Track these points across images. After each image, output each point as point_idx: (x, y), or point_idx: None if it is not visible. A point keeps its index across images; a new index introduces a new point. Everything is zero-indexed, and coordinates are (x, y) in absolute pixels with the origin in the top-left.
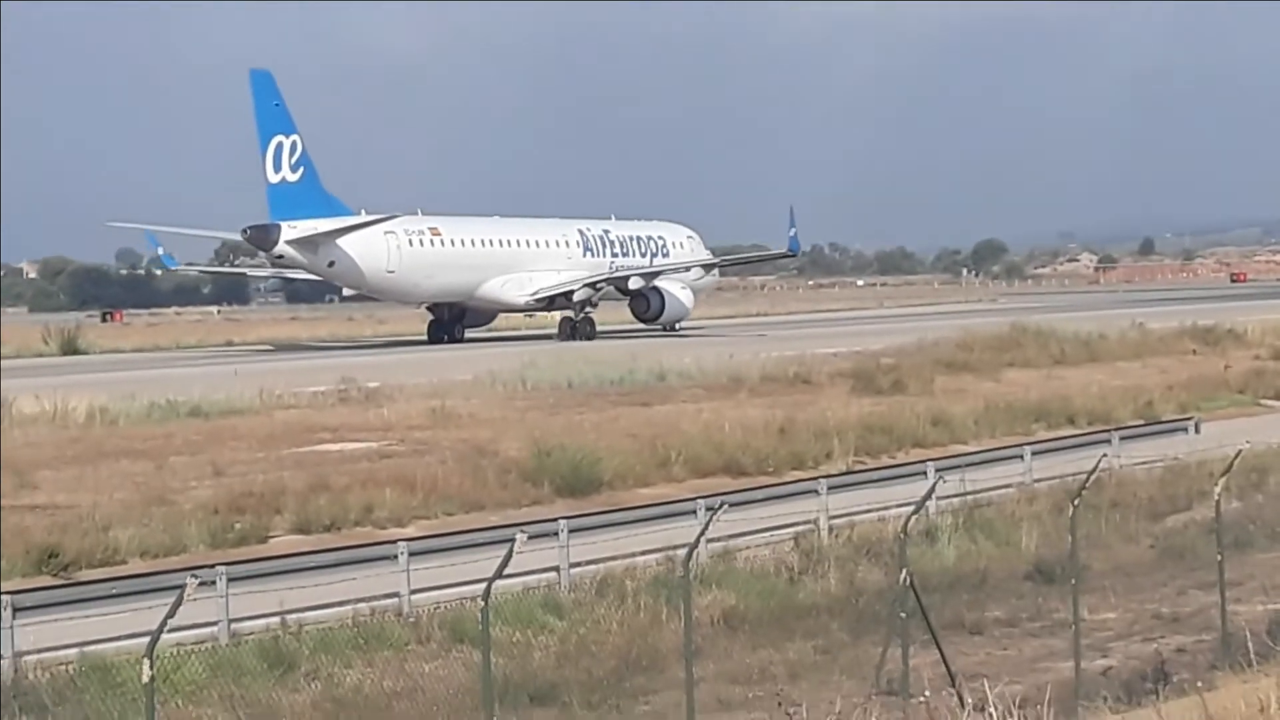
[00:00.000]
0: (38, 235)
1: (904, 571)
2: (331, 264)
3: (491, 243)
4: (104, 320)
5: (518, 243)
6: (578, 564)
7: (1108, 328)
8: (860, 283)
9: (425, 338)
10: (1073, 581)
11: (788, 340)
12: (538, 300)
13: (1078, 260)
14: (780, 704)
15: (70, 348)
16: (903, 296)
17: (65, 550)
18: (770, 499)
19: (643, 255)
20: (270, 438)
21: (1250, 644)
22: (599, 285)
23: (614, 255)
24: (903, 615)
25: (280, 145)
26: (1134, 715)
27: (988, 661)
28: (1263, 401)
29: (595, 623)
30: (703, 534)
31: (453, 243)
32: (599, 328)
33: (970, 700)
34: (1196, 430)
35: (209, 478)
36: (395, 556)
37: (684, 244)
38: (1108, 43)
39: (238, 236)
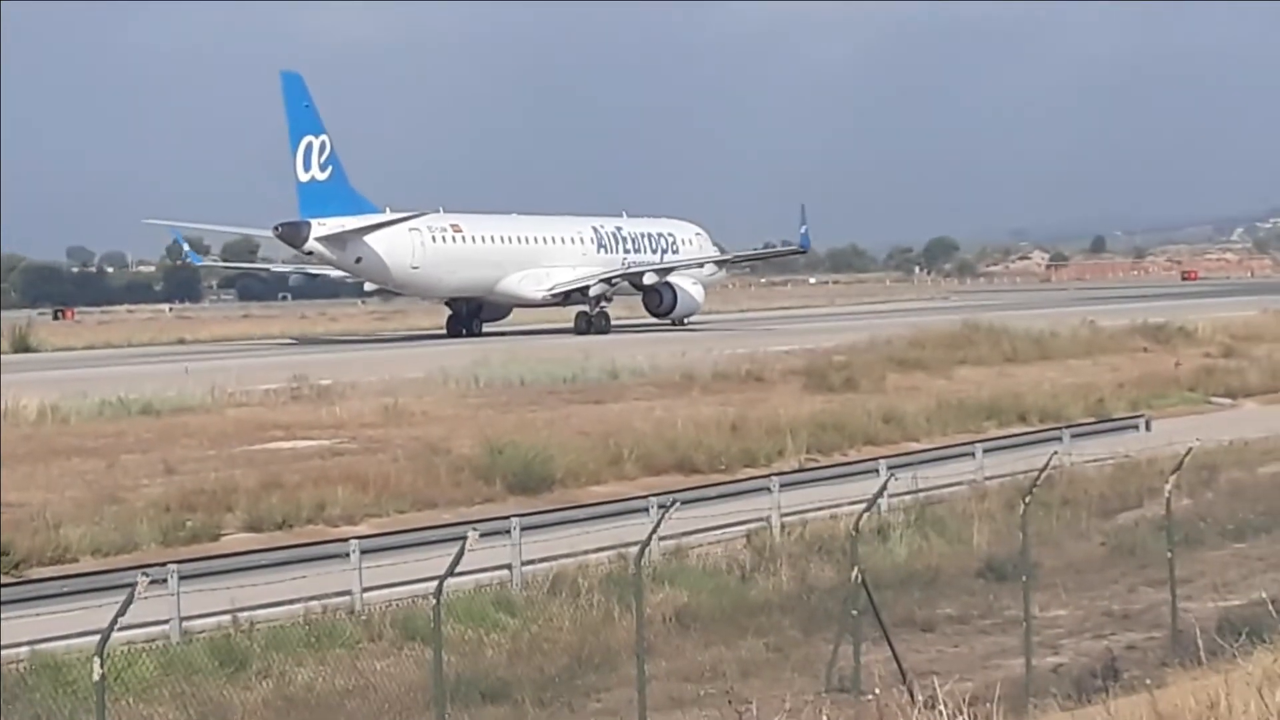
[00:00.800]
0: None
1: (856, 569)
2: (359, 260)
3: (510, 239)
4: (56, 318)
5: (535, 239)
6: (530, 562)
7: (1059, 325)
8: (813, 280)
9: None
10: (1024, 579)
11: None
12: (554, 295)
13: (1029, 258)
14: (731, 701)
15: (21, 345)
16: (855, 294)
17: (16, 548)
18: (722, 496)
19: (653, 251)
20: (222, 435)
21: (1200, 641)
22: (614, 281)
23: (626, 251)
24: (854, 612)
25: (310, 145)
26: (1084, 713)
27: (939, 659)
28: (1213, 399)
29: (547, 620)
30: (655, 531)
31: (474, 239)
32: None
33: (921, 697)
34: (1147, 428)
35: (160, 476)
36: (347, 554)
37: (692, 240)
38: (1059, 41)
39: (269, 233)
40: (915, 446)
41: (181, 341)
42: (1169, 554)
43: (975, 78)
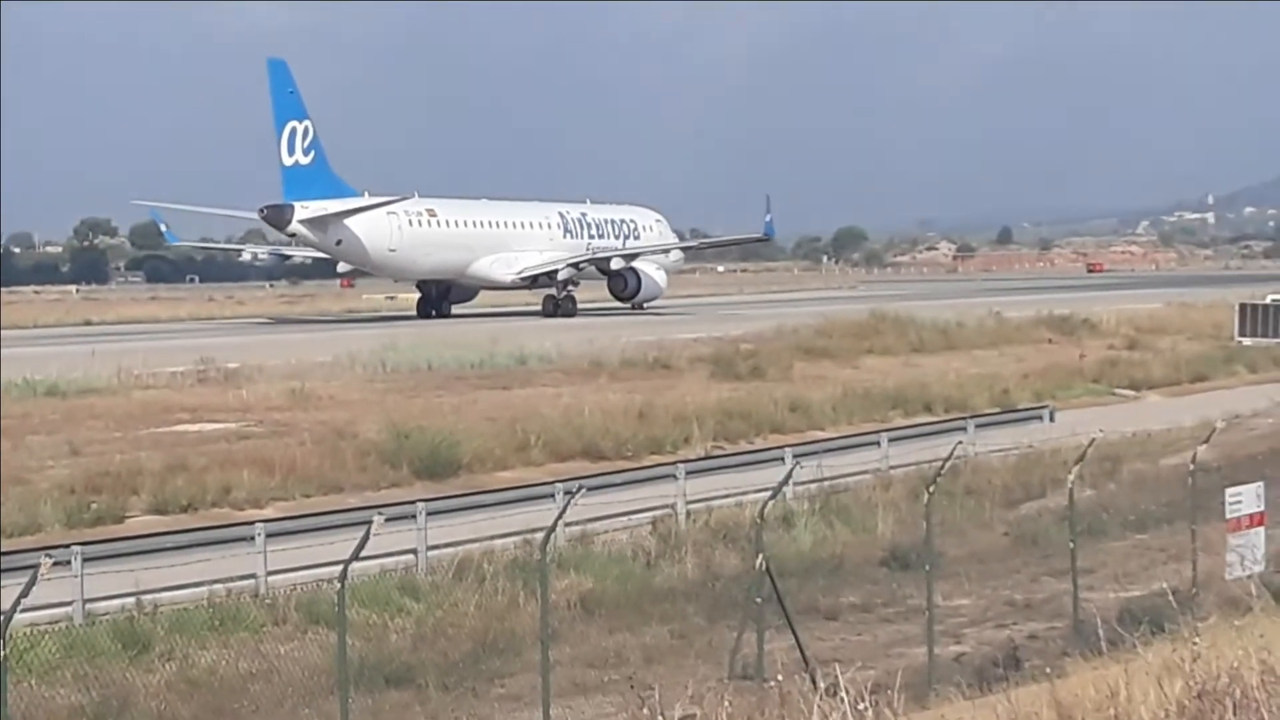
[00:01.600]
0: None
1: (760, 556)
2: (339, 242)
3: (482, 224)
4: None
5: (505, 224)
6: (435, 547)
7: (965, 316)
8: (721, 269)
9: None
10: (927, 568)
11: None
12: (523, 279)
13: (936, 249)
14: (633, 687)
15: None
16: (763, 283)
17: None
18: (628, 483)
19: (616, 237)
20: (128, 418)
21: (1101, 631)
22: (581, 265)
23: (591, 237)
24: (758, 600)
25: (294, 130)
26: (985, 701)
27: (842, 646)
28: (1117, 391)
29: (452, 605)
30: (560, 517)
31: (448, 224)
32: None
33: (823, 684)
34: (1051, 418)
35: (65, 457)
36: (252, 538)
37: (652, 227)
38: (967, 34)
39: (253, 215)
40: (821, 435)
41: (89, 323)
42: (1071, 544)
43: (886, 70)
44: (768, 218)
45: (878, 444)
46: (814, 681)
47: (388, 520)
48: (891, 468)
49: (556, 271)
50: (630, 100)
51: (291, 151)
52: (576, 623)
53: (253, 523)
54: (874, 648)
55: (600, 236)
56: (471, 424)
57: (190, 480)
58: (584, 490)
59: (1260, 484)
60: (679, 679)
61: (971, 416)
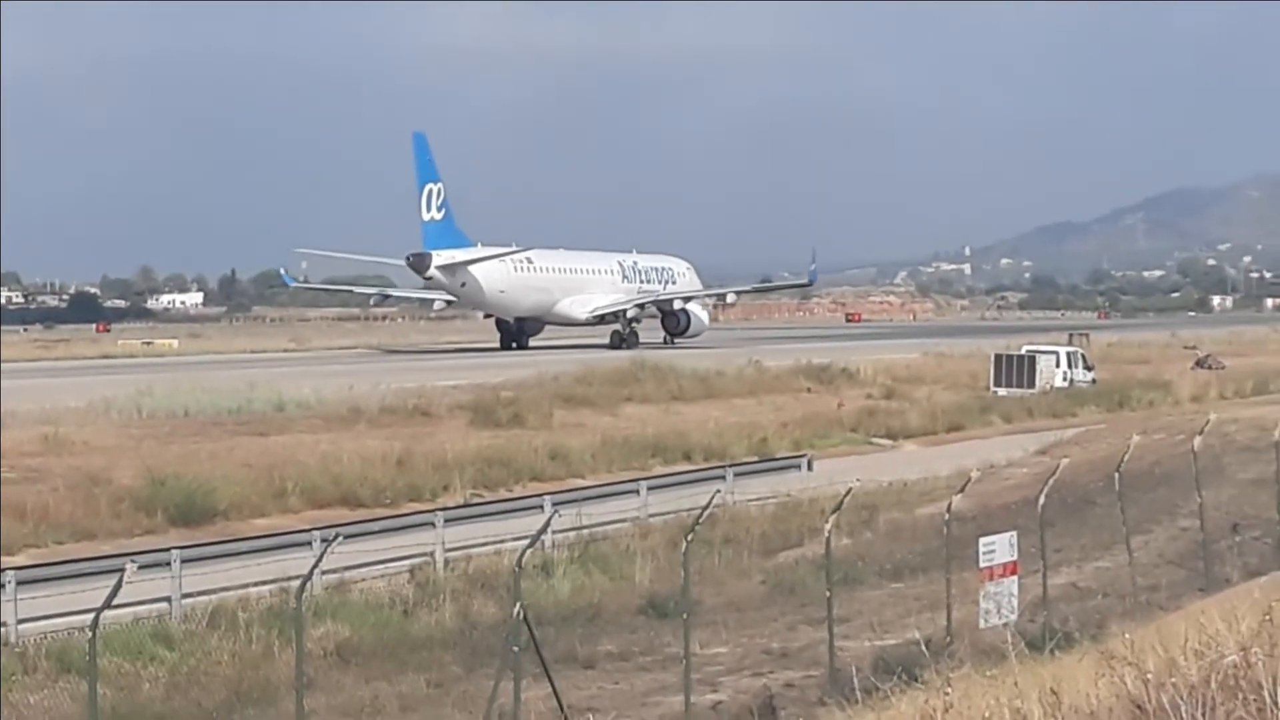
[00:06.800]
0: None
1: (518, 605)
2: (464, 285)
3: (566, 270)
4: None
5: (581, 270)
6: (190, 594)
7: (725, 365)
8: (483, 315)
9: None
10: (685, 616)
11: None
12: (594, 317)
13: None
14: None
15: None
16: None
17: None
18: (387, 531)
19: (659, 282)
20: None
21: (856, 680)
22: (645, 305)
23: (642, 282)
24: (516, 649)
25: (431, 191)
26: None
27: (599, 695)
28: (874, 440)
29: (206, 654)
30: (317, 565)
31: (541, 269)
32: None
33: None
34: (809, 467)
35: None
36: (2, 585)
37: (685, 273)
38: (725, 84)
39: (400, 262)
40: (581, 483)
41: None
42: (828, 593)
43: (640, 119)
44: (812, 266)
45: (637, 492)
46: None
47: (141, 568)
48: (650, 516)
49: (625, 311)
50: (377, 143)
51: (429, 209)
52: (332, 671)
53: (3, 570)
54: (631, 696)
55: (647, 281)
56: (228, 470)
57: None
58: (341, 538)
59: (1013, 533)
60: None
61: (730, 465)
